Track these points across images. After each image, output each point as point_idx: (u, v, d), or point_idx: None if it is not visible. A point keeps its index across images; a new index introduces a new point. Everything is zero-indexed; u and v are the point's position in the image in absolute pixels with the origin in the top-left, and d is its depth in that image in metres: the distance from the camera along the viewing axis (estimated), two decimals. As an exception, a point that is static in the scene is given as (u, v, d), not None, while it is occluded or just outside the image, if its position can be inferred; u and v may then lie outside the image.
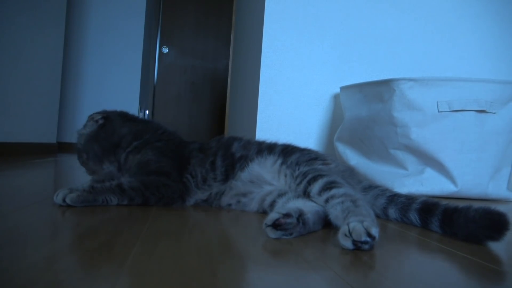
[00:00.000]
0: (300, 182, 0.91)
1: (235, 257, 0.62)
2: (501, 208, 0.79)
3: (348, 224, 0.68)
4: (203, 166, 1.07)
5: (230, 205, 1.05)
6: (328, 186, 0.83)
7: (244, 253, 0.65)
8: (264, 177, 1.02)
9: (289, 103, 2.16)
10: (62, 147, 3.79)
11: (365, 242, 0.66)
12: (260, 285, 0.51)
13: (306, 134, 2.18)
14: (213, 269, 0.53)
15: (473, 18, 2.33)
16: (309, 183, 0.88)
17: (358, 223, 0.67)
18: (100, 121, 1.15)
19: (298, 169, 0.96)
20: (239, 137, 1.17)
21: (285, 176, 0.99)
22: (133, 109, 4.02)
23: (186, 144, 1.17)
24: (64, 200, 0.89)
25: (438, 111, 1.59)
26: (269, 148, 1.09)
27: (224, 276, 0.52)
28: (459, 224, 0.82)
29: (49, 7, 3.07)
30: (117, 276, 0.48)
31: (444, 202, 0.89)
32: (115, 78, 4.08)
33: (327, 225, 0.83)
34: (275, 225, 0.74)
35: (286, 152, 1.06)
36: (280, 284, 0.50)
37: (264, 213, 0.99)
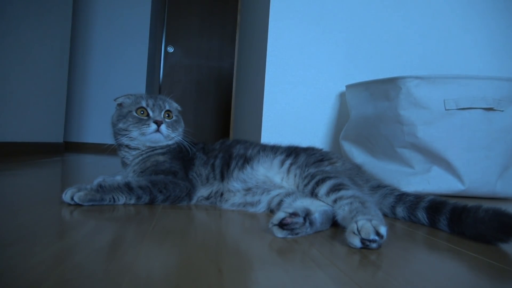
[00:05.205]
0: (308, 183, 0.91)
1: (241, 255, 0.62)
2: (510, 207, 0.78)
3: (356, 222, 0.68)
4: (206, 167, 1.10)
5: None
6: (336, 188, 0.84)
7: (250, 251, 0.65)
8: (273, 180, 1.02)
9: (295, 101, 2.15)
10: (68, 147, 3.82)
11: (373, 241, 0.66)
12: (266, 283, 0.51)
13: (312, 132, 2.17)
14: (220, 267, 0.53)
15: (481, 15, 2.31)
16: (317, 184, 0.88)
17: (367, 222, 0.67)
18: None
19: (307, 170, 0.96)
20: (244, 140, 1.19)
21: (295, 176, 0.99)
22: (138, 108, 4.02)
23: (192, 145, 1.19)
24: (72, 199, 0.90)
25: (445, 109, 1.58)
26: (273, 149, 1.10)
27: (230, 274, 0.51)
28: (467, 224, 0.81)
29: (55, 8, 3.09)
30: (124, 274, 0.48)
31: (452, 201, 0.88)
32: (121, 77, 4.10)
33: (334, 224, 0.83)
34: (282, 225, 0.74)
35: (293, 152, 1.06)
36: (286, 282, 0.50)
37: (272, 212, 0.99)
